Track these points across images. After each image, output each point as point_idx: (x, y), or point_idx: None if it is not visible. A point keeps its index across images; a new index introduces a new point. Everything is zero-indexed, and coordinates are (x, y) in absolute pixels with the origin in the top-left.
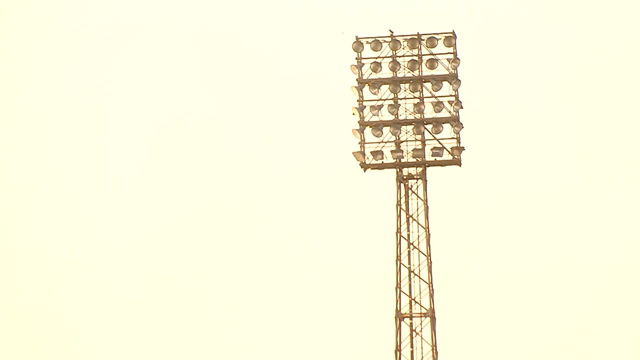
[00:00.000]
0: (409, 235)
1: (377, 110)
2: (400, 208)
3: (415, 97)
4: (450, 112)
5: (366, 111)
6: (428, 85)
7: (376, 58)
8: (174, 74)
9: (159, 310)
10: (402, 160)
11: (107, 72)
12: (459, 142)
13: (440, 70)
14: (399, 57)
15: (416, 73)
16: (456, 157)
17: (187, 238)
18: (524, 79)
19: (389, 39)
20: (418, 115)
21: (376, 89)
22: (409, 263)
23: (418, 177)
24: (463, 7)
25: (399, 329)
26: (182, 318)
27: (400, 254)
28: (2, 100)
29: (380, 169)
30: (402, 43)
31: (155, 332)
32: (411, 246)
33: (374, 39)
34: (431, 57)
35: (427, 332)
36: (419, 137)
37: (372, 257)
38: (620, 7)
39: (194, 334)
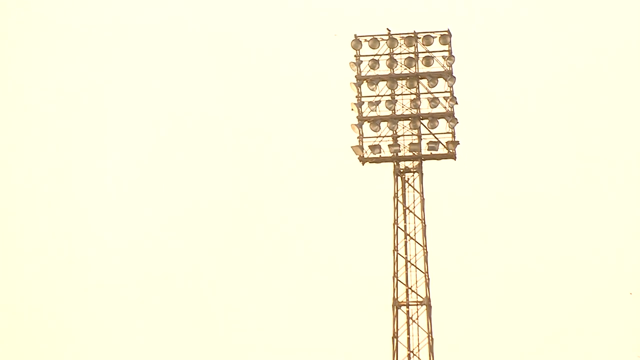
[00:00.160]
0: (405, 226)
1: (375, 106)
2: (398, 200)
3: (411, 93)
4: (445, 107)
5: (364, 107)
6: (424, 81)
7: (374, 56)
8: (173, 74)
9: (159, 310)
10: (399, 154)
11: (107, 72)
12: (453, 136)
13: (435, 67)
14: (396, 54)
15: (413, 70)
16: (451, 151)
17: (186, 237)
18: (517, 76)
19: (386, 37)
20: (414, 111)
21: (374, 86)
22: (406, 253)
23: (414, 170)
24: (458, 7)
25: (396, 316)
26: (182, 318)
27: (397, 244)
28: (2, 100)
29: (378, 162)
30: (399, 41)
31: (155, 331)
32: (408, 237)
33: (372, 37)
34: (427, 54)
35: (423, 320)
36: (415, 131)
37: (370, 247)
38: (613, 2)
39: (193, 334)
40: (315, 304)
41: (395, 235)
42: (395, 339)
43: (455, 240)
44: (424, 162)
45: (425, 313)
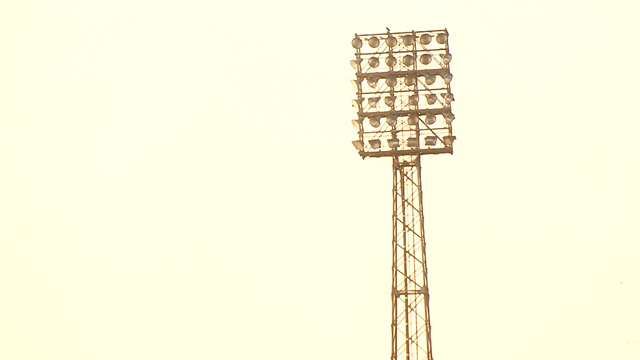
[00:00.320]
0: (404, 218)
1: (374, 102)
2: (396, 193)
3: (410, 90)
4: (442, 104)
5: (365, 103)
6: (422, 79)
7: (374, 54)
8: (174, 72)
9: (159, 310)
10: (398, 149)
11: (107, 72)
12: (450, 131)
13: (433, 65)
14: (395, 52)
15: (411, 68)
16: (448, 145)
17: (185, 235)
18: (512, 73)
19: (385, 36)
20: (413, 107)
21: (374, 83)
22: (405, 244)
23: (413, 164)
24: (455, 7)
25: (395, 305)
26: (181, 317)
27: (396, 235)
28: (2, 100)
29: (377, 156)
30: (398, 40)
31: (155, 332)
32: (406, 228)
33: (372, 36)
34: (425, 52)
35: (421, 308)
36: (413, 127)
37: (370, 238)
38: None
39: (193, 334)
40: (317, 292)
41: (394, 226)
42: (394, 327)
43: (452, 232)
44: (421, 156)
45: (423, 301)
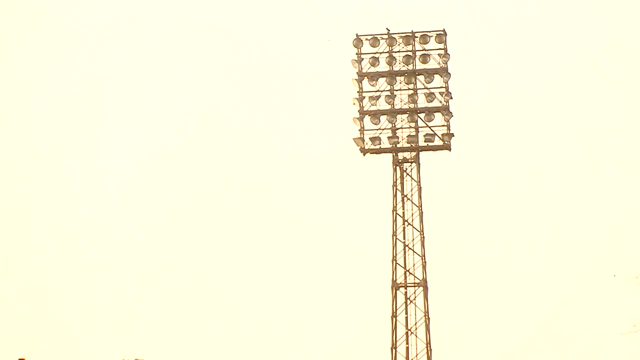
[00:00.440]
0: (404, 213)
1: (375, 101)
2: (396, 188)
3: (409, 89)
4: (441, 102)
5: (365, 101)
6: (421, 78)
7: (374, 53)
8: (174, 72)
9: (159, 310)
10: (398, 146)
11: (107, 72)
12: (449, 129)
13: (432, 64)
14: (395, 52)
15: (410, 67)
16: (446, 142)
17: (186, 234)
18: (509, 72)
19: (386, 36)
20: (412, 105)
21: (374, 81)
22: (404, 238)
23: (412, 160)
24: (453, 8)
25: (394, 297)
26: (181, 317)
27: (396, 229)
28: (1, 100)
29: (378, 153)
30: (397, 40)
31: (155, 331)
32: (406, 223)
33: (372, 36)
34: (424, 52)
35: (420, 300)
36: (412, 124)
37: (370, 232)
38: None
39: (193, 334)
40: (318, 285)
41: (394, 221)
42: (394, 318)
43: (450, 226)
44: (421, 153)
45: (422, 294)
